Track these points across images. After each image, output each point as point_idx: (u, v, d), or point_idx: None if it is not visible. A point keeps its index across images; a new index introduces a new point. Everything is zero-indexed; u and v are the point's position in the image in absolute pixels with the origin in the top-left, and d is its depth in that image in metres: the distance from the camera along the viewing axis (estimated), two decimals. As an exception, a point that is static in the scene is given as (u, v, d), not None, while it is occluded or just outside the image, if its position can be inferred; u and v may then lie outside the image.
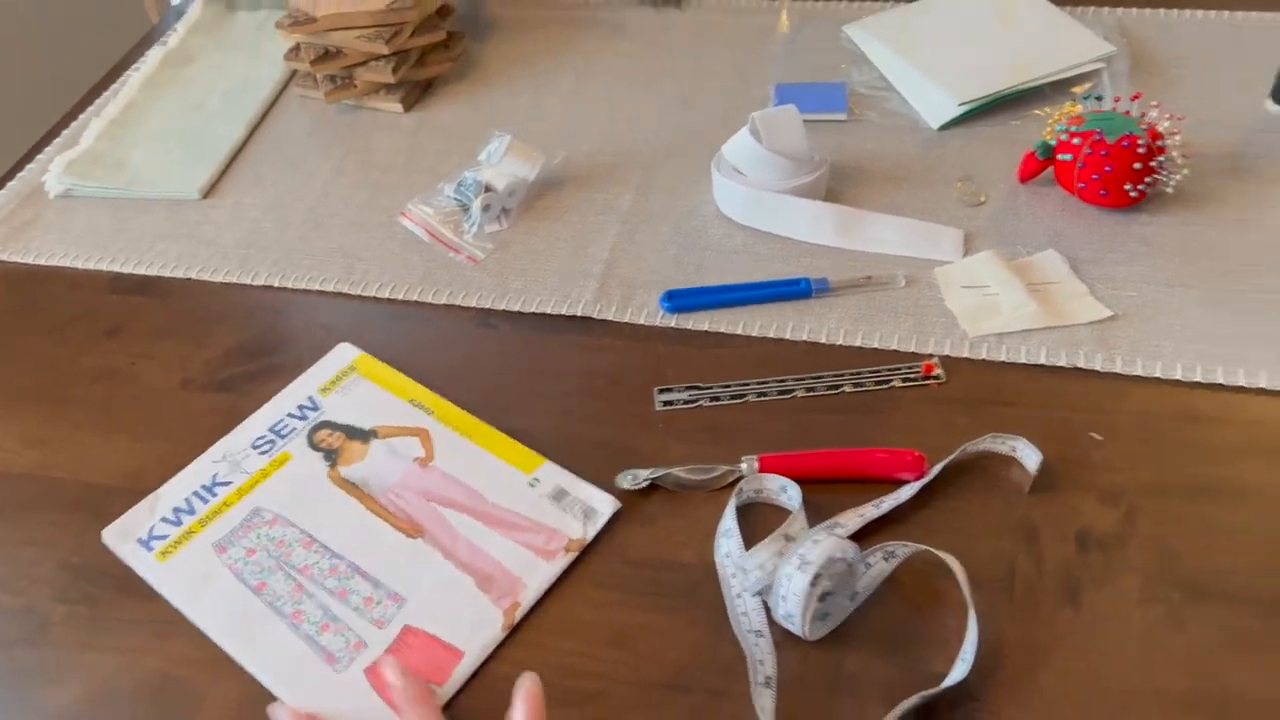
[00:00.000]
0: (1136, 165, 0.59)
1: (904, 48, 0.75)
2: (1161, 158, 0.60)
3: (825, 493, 0.51)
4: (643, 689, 0.45)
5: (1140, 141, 0.59)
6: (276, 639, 0.47)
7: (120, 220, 0.72)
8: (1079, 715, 0.43)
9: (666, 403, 0.56)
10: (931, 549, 0.46)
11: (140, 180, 0.74)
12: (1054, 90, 0.71)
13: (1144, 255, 0.60)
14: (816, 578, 0.44)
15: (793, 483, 0.50)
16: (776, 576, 0.45)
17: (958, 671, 0.43)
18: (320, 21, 0.75)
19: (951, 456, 0.51)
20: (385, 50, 0.75)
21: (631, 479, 0.52)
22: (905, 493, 0.50)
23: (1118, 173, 0.60)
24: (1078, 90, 0.72)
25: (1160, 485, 0.50)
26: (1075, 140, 0.61)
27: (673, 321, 0.61)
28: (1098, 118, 0.61)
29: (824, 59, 0.78)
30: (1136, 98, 0.62)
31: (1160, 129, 0.61)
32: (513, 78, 0.81)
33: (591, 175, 0.71)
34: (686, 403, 0.56)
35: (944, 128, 0.71)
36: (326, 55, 0.77)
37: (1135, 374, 0.55)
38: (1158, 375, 0.54)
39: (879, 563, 0.47)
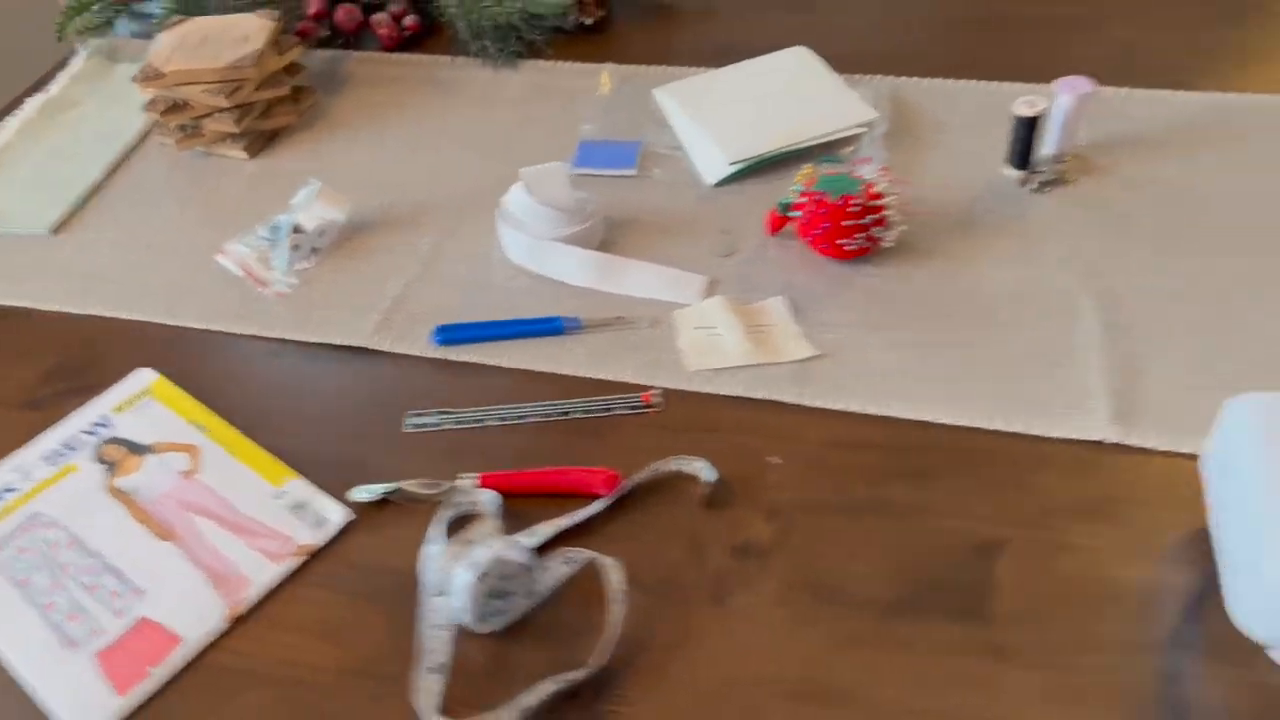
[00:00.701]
0: (847, 222, 0.67)
1: (695, 111, 0.83)
2: (875, 215, 0.67)
3: (534, 506, 0.58)
4: (338, 675, 0.52)
5: (854, 201, 0.67)
6: (27, 624, 0.54)
7: (-25, 254, 0.79)
8: (697, 700, 0.49)
9: (416, 425, 0.63)
10: (598, 555, 0.53)
11: (13, 217, 0.82)
12: (823, 151, 0.79)
13: (858, 302, 0.68)
14: (483, 576, 0.51)
15: (497, 495, 0.57)
16: (450, 576, 0.51)
17: (591, 664, 0.50)
18: (168, 77, 0.83)
19: (641, 475, 0.58)
20: (226, 104, 0.83)
21: (366, 493, 0.59)
22: (596, 506, 0.57)
23: (833, 228, 0.67)
24: (845, 152, 0.79)
25: (818, 504, 0.57)
26: (803, 199, 0.69)
27: (441, 354, 0.68)
28: (827, 179, 0.69)
29: (633, 118, 0.86)
30: (864, 161, 0.70)
31: (879, 189, 0.68)
32: (355, 129, 0.89)
33: (403, 220, 0.79)
34: (434, 426, 0.63)
35: (719, 185, 0.78)
36: (175, 107, 0.85)
37: (821, 406, 0.62)
38: (839, 408, 0.61)
39: (559, 566, 0.54)
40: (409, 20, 0.98)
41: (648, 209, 0.77)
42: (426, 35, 0.99)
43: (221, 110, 0.84)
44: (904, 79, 0.86)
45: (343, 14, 0.97)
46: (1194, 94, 0.81)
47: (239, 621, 0.54)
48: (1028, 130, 0.73)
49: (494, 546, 0.51)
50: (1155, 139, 0.77)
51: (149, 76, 0.84)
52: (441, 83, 0.93)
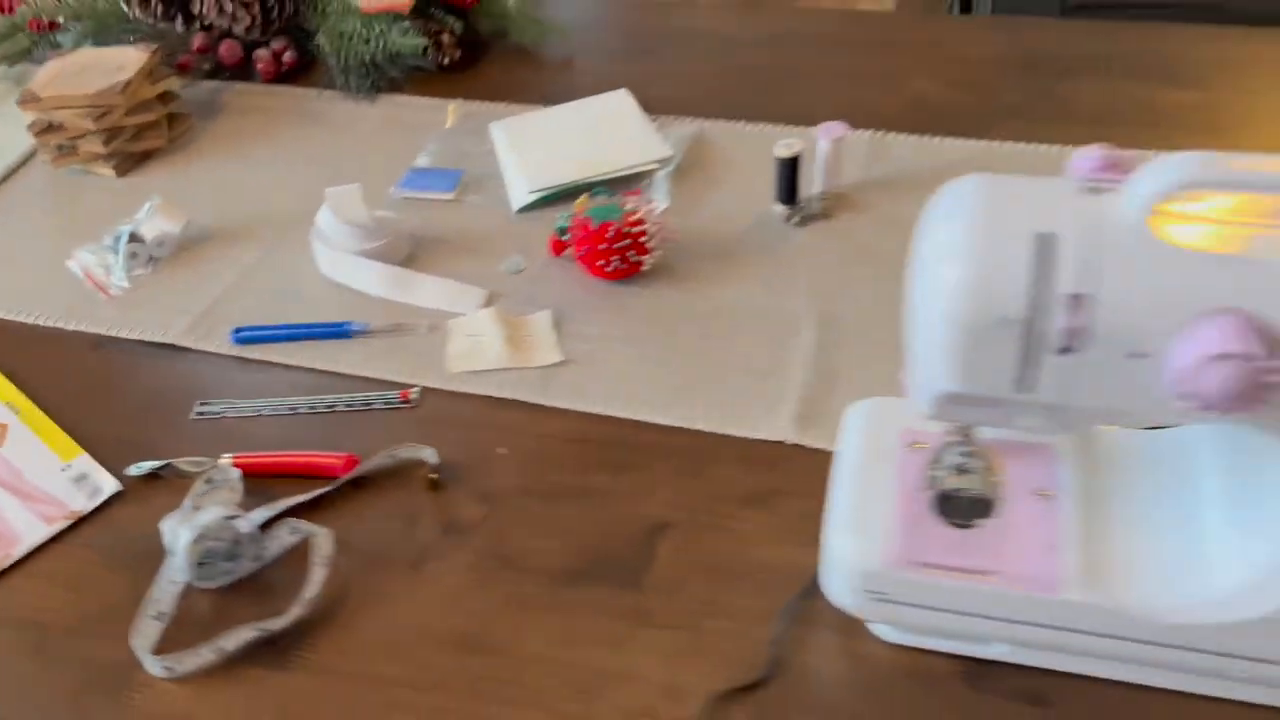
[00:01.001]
0: (604, 246, 0.75)
1: (517, 143, 0.91)
2: (633, 241, 0.75)
3: (285, 485, 0.65)
4: (78, 620, 0.59)
5: (613, 227, 0.75)
6: None
7: None
8: (374, 649, 0.56)
9: (200, 414, 0.71)
10: (315, 526, 0.60)
11: (-116, 222, 0.91)
12: (620, 184, 0.87)
13: (614, 317, 0.75)
14: (199, 538, 0.58)
15: (240, 473, 0.64)
16: (176, 537, 0.59)
17: (288, 616, 0.57)
18: (44, 101, 0.92)
19: (375, 460, 0.65)
20: (93, 127, 0.92)
21: (138, 469, 0.67)
22: (330, 486, 0.64)
23: (593, 251, 0.75)
24: (644, 184, 0.87)
25: (526, 489, 0.64)
26: (573, 224, 0.77)
27: (239, 352, 0.76)
28: (595, 208, 0.76)
29: (467, 149, 0.94)
30: (632, 194, 0.78)
31: (639, 218, 0.76)
32: (223, 153, 0.98)
33: (238, 234, 0.87)
34: (215, 414, 0.71)
35: (522, 210, 0.86)
36: (52, 128, 0.94)
37: (557, 406, 0.69)
38: (572, 408, 0.69)
39: (286, 535, 0.61)
40: (287, 56, 1.07)
41: (456, 229, 0.85)
42: (302, 70, 1.08)
43: (91, 133, 0.93)
44: (709, 121, 0.94)
45: (225, 49, 1.06)
46: (961, 140, 0.88)
47: (2, 574, 0.62)
48: (789, 170, 0.81)
49: (214, 513, 0.59)
50: (918, 180, 0.85)
51: (27, 100, 0.93)
52: (307, 113, 1.02)
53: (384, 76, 1.03)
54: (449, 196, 0.88)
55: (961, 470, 0.51)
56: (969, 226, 0.41)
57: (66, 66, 0.96)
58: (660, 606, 0.57)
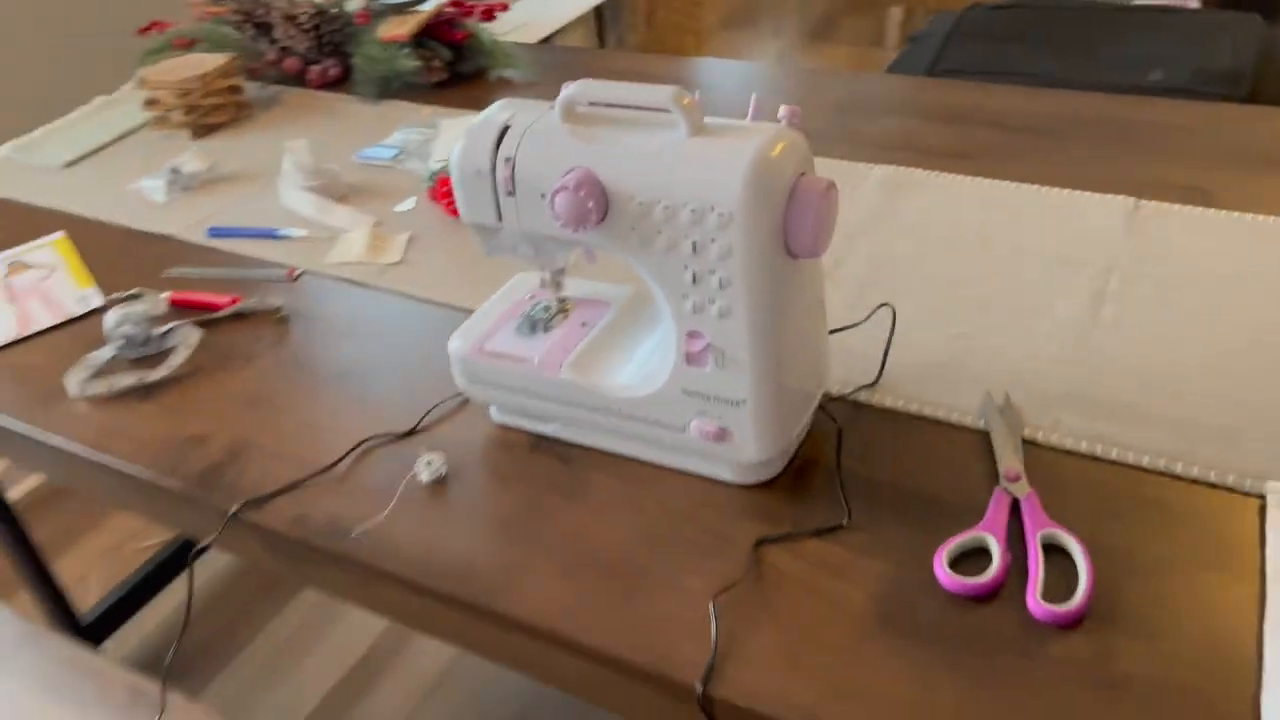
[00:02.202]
0: (449, 190, 1.06)
1: (448, 131, 1.24)
2: (469, 188, 1.06)
3: (194, 313, 0.99)
4: (54, 367, 0.95)
5: (456, 177, 1.06)
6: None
7: (30, 174, 1.32)
8: (219, 395, 0.88)
9: (170, 274, 1.07)
10: (192, 328, 0.94)
11: (42, 153, 1.35)
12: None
13: (453, 241, 1.06)
14: (122, 320, 0.93)
15: (166, 297, 0.99)
16: (111, 321, 0.94)
17: (159, 374, 0.90)
18: (149, 82, 1.34)
19: (246, 302, 0.98)
20: (178, 103, 1.33)
21: (116, 295, 1.03)
22: (218, 314, 0.98)
23: (445, 194, 1.07)
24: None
25: (328, 327, 0.95)
26: (439, 176, 1.09)
27: (212, 244, 1.12)
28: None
29: (421, 136, 1.28)
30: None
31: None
32: (264, 130, 1.37)
33: (247, 178, 1.24)
34: (181, 275, 1.07)
35: (430, 175, 1.19)
36: (153, 102, 1.36)
37: (379, 285, 1.00)
38: (390, 287, 1.00)
39: (176, 334, 0.95)
40: (332, 71, 1.47)
41: (381, 183, 1.19)
42: (341, 82, 1.47)
43: (176, 107, 1.34)
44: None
45: (288, 62, 1.47)
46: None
47: (27, 338, 0.99)
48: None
49: (138, 309, 0.93)
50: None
51: (140, 81, 1.35)
52: (332, 110, 1.40)
53: (389, 88, 1.40)
54: (387, 163, 1.23)
55: (545, 308, 0.79)
56: (473, 122, 0.70)
57: (174, 64, 1.38)
58: (371, 391, 0.87)
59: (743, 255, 0.62)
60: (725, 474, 0.73)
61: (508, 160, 0.68)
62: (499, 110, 0.70)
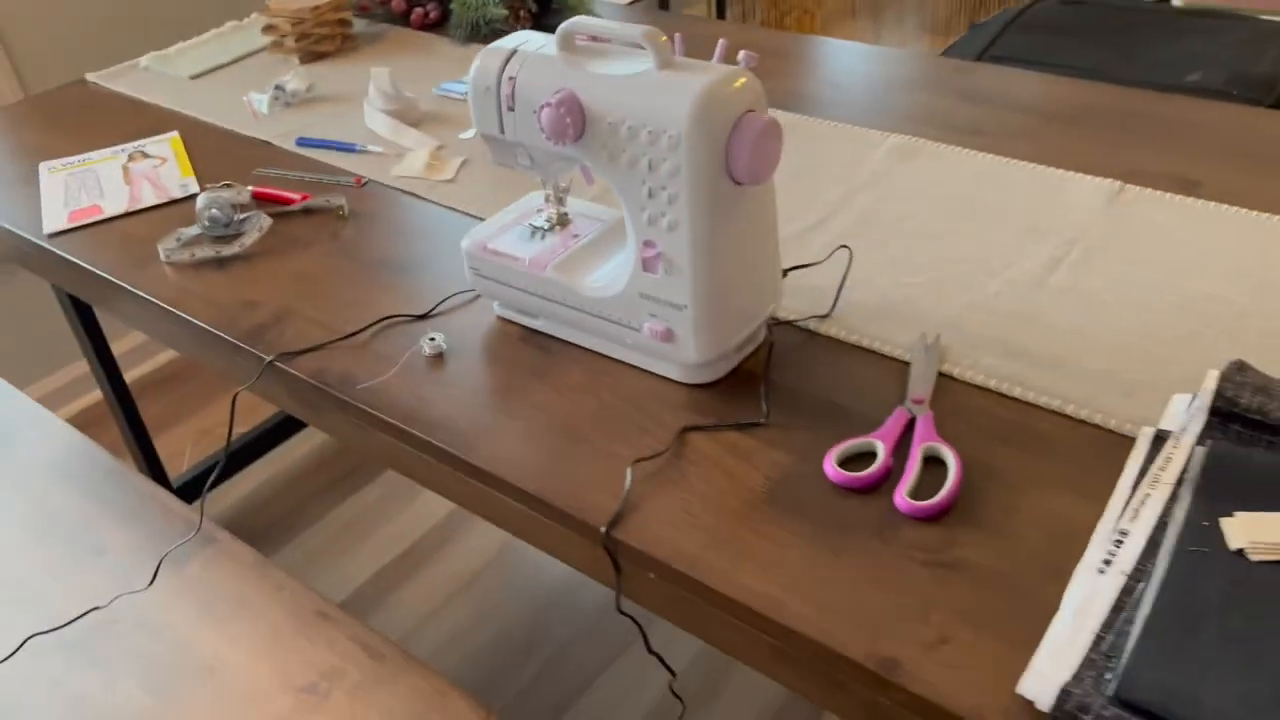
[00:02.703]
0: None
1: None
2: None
3: (271, 206, 1.15)
4: (151, 235, 1.12)
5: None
6: None
7: (162, 82, 1.51)
8: (278, 270, 1.04)
9: (259, 174, 1.23)
10: (265, 216, 1.09)
11: (173, 65, 1.54)
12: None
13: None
14: (210, 204, 1.09)
15: (249, 190, 1.15)
16: (201, 202, 1.10)
17: (233, 249, 1.06)
18: (269, 11, 1.52)
19: (316, 200, 1.13)
20: (291, 31, 1.50)
21: (210, 185, 1.20)
22: (291, 208, 1.13)
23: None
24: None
25: (380, 222, 1.09)
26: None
27: (301, 151, 1.28)
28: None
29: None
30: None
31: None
32: (365, 60, 1.52)
33: (340, 99, 1.40)
34: (266, 174, 1.23)
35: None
36: (270, 28, 1.53)
37: (429, 198, 1.14)
38: (438, 201, 1.13)
39: (253, 221, 1.11)
40: (433, 14, 1.61)
41: (453, 113, 1.33)
42: (440, 24, 1.62)
43: (289, 34, 1.51)
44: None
45: (395, 3, 1.63)
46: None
47: (134, 214, 1.16)
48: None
49: (224, 195, 1.10)
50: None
51: (263, 11, 1.53)
52: (426, 48, 1.55)
53: (479, 34, 1.54)
54: (461, 96, 1.37)
55: (547, 219, 0.91)
56: (488, 48, 0.82)
57: (294, -4, 1.56)
58: (400, 280, 1.00)
59: (688, 174, 0.73)
60: (672, 373, 0.84)
61: (510, 79, 0.80)
62: (511, 38, 0.82)
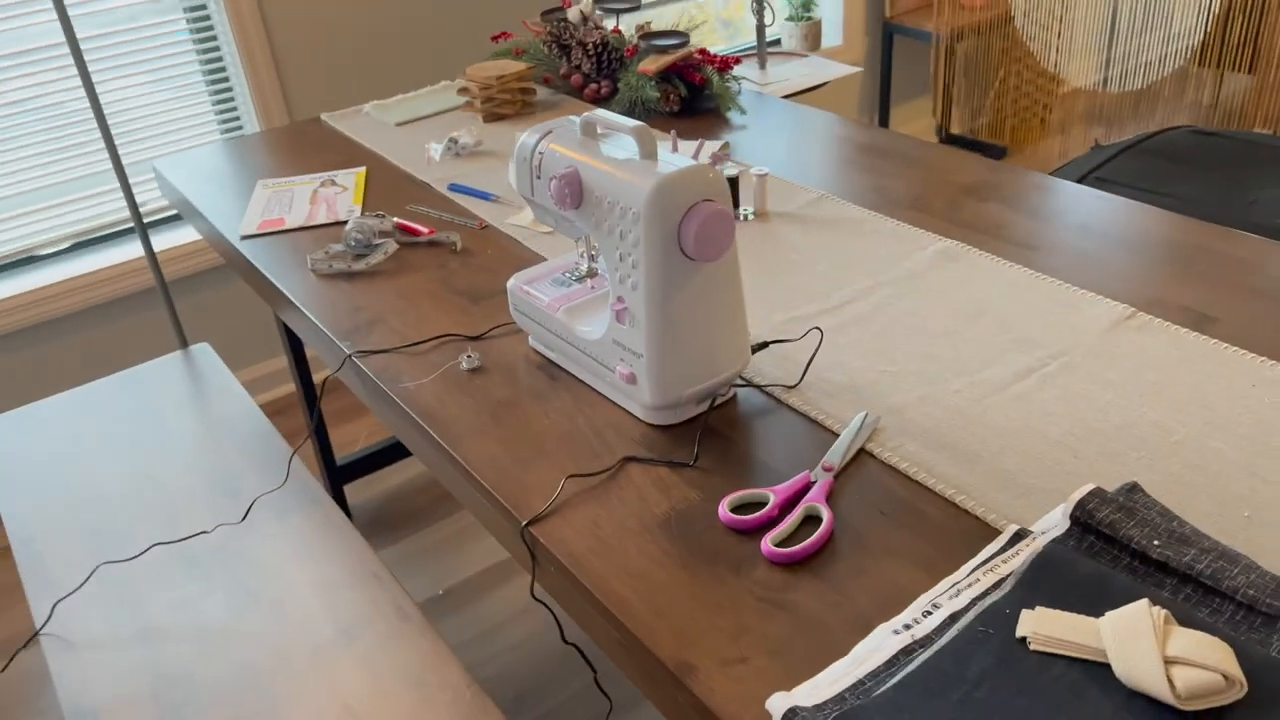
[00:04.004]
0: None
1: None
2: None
3: (405, 236, 1.39)
4: (304, 246, 1.39)
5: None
6: (256, 207, 1.51)
7: (375, 126, 1.83)
8: (410, 284, 1.28)
9: (409, 209, 1.49)
10: (393, 242, 1.33)
11: (387, 113, 1.85)
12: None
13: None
14: (354, 228, 1.34)
15: (393, 220, 1.40)
16: (348, 226, 1.36)
17: (364, 264, 1.31)
18: (467, 76, 1.80)
19: (440, 235, 1.36)
20: (479, 94, 1.77)
21: (370, 212, 1.46)
22: (419, 239, 1.37)
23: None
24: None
25: (492, 265, 1.30)
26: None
27: (449, 195, 1.52)
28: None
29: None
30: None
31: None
32: (532, 125, 1.77)
33: (498, 155, 1.64)
34: (417, 210, 1.48)
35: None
36: (464, 90, 1.81)
37: (534, 250, 1.34)
38: (537, 250, 1.33)
39: (386, 246, 1.35)
40: (604, 90, 1.84)
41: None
42: (610, 99, 1.84)
43: (477, 97, 1.79)
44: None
45: (575, 78, 1.87)
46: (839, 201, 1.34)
47: (287, 231, 1.45)
48: (732, 185, 1.35)
49: (368, 222, 1.35)
50: (799, 216, 1.33)
51: (462, 77, 1.81)
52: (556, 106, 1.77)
53: (635, 110, 1.75)
54: (594, 164, 1.57)
55: (577, 271, 1.08)
56: (532, 128, 1.01)
57: (491, 65, 1.83)
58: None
59: (645, 245, 0.88)
60: (636, 410, 0.98)
61: (540, 153, 0.98)
62: (551, 122, 1.01)
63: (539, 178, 0.99)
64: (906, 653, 0.69)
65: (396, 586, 1.26)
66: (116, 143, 2.21)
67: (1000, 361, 1.01)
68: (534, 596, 0.87)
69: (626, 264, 0.91)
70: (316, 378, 2.58)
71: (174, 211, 2.40)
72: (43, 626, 1.22)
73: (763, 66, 2.86)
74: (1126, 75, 3.26)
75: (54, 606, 1.24)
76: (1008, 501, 0.83)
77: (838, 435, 0.93)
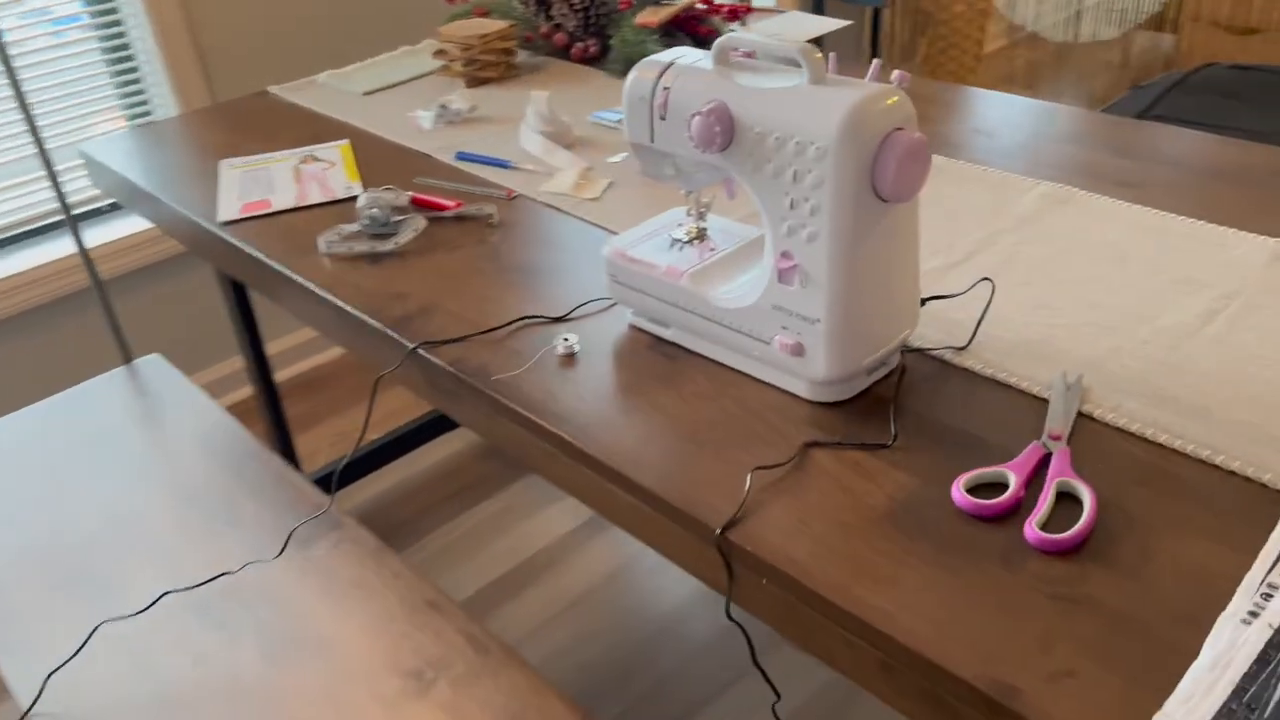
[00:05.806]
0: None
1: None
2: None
3: (427, 211, 1.21)
4: (315, 227, 1.19)
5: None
6: (233, 188, 1.29)
7: (338, 97, 1.62)
8: (429, 269, 1.09)
9: (416, 181, 1.30)
10: (420, 219, 1.15)
11: (349, 82, 1.64)
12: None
13: (641, 193, 1.22)
14: (370, 204, 1.15)
15: (408, 195, 1.21)
16: (361, 202, 1.16)
17: (387, 247, 1.12)
18: (441, 36, 1.60)
19: (468, 207, 1.18)
20: (459, 56, 1.58)
21: (373, 187, 1.26)
22: (445, 213, 1.19)
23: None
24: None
25: (528, 236, 1.13)
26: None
27: (458, 164, 1.34)
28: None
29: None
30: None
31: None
32: (524, 86, 1.59)
33: (498, 119, 1.46)
34: (427, 183, 1.29)
35: (645, 137, 1.36)
36: (441, 53, 1.62)
37: (573, 214, 1.17)
38: (582, 216, 1.17)
39: (409, 222, 1.16)
40: (592, 49, 1.68)
41: (605, 139, 1.37)
42: (599, 59, 1.68)
43: (458, 59, 1.60)
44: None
45: (557, 37, 1.70)
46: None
47: (295, 210, 1.24)
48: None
49: (383, 196, 1.16)
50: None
51: (437, 35, 1.62)
52: (583, 80, 1.61)
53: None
54: (614, 124, 1.41)
55: (686, 232, 0.93)
56: (645, 60, 0.85)
57: (465, 24, 1.64)
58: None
59: (832, 187, 0.73)
60: (799, 388, 0.83)
61: (665, 89, 0.82)
62: (669, 53, 0.85)
63: (663, 118, 0.83)
64: (1275, 646, 0.58)
65: (461, 614, 1.08)
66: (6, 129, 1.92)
67: (1175, 306, 0.91)
68: (729, 617, 0.72)
69: (800, 212, 0.76)
70: (279, 377, 2.32)
71: (90, 207, 2.10)
72: (33, 705, 1.00)
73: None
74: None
75: (46, 679, 1.01)
76: (1268, 456, 0.73)
77: (1036, 398, 0.81)
